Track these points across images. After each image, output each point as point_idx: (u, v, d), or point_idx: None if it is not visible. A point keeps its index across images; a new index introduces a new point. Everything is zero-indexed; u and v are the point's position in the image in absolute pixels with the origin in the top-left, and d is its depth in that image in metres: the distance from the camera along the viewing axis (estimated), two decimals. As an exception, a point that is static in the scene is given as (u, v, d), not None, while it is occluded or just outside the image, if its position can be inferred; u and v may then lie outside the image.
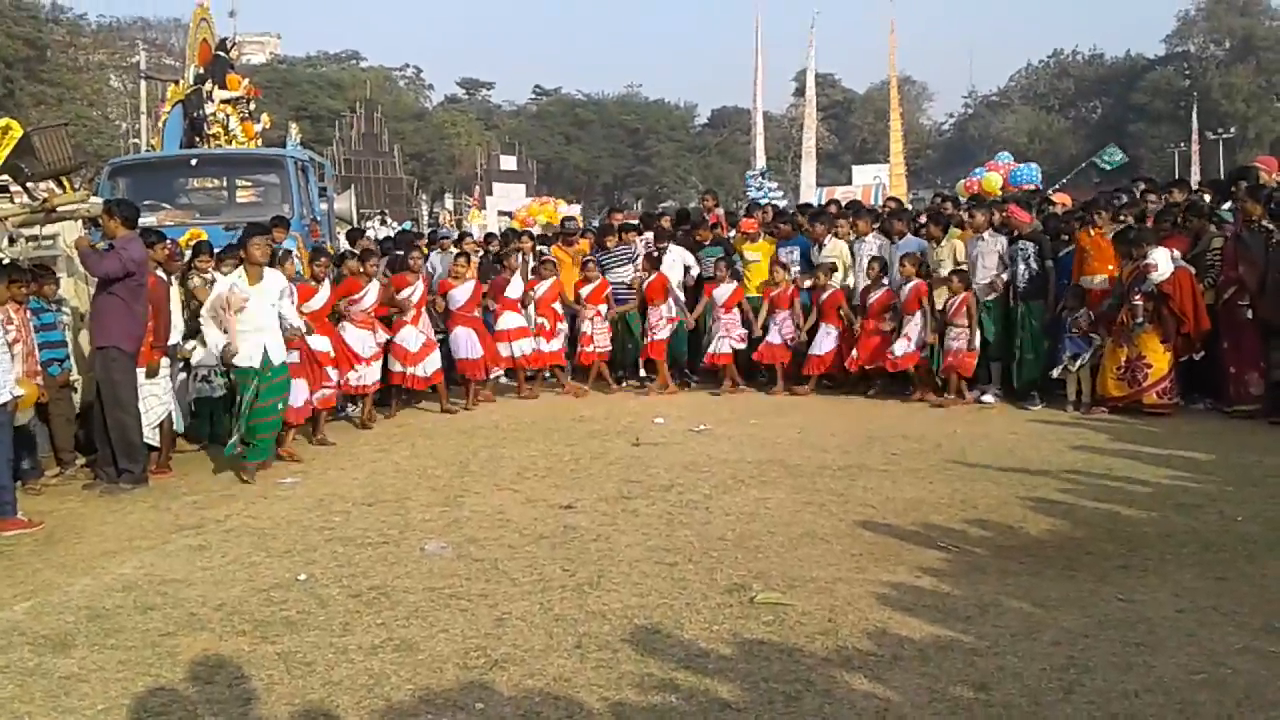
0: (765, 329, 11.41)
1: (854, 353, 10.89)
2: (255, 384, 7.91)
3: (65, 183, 9.56)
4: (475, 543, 6.11)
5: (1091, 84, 76.94)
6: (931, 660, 4.27)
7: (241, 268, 8.11)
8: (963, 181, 21.02)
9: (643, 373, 12.08)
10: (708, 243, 12.30)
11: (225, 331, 7.89)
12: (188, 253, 9.79)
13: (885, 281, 10.88)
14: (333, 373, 9.49)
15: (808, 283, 11.39)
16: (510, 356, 11.35)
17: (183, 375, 9.00)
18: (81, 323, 8.54)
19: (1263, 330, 9.25)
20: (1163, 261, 9.35)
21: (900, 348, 10.54)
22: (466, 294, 10.97)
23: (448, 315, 11.02)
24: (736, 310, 11.46)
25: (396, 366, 10.38)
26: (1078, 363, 9.84)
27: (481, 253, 12.53)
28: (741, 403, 10.94)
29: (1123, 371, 9.62)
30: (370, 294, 9.99)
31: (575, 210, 18.15)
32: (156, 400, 8.20)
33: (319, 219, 12.93)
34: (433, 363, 10.54)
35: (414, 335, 10.41)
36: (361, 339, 9.92)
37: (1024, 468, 7.71)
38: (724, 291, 11.46)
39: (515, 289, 11.42)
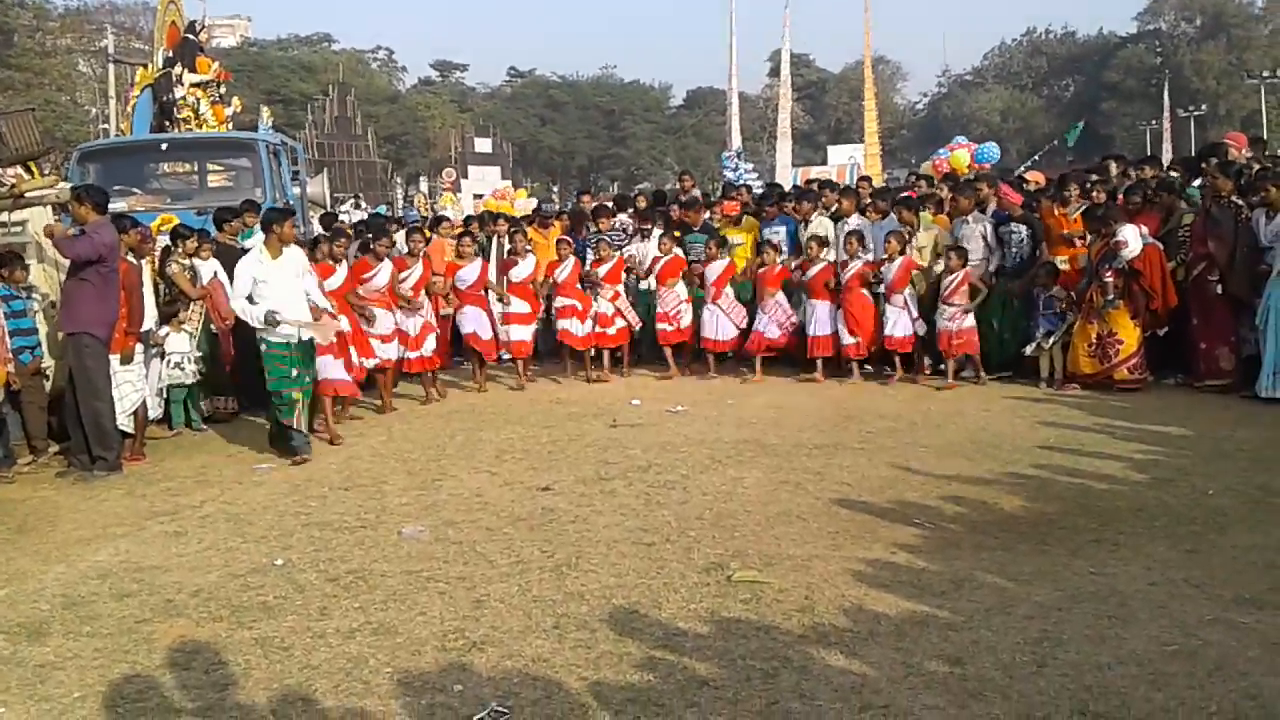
0: (753, 316, 11.18)
1: (850, 338, 10.63)
2: (292, 355, 8.03)
3: (33, 168, 9.46)
4: (453, 525, 6.11)
5: (1064, 62, 77.32)
6: (906, 635, 4.30)
7: (263, 243, 8.14)
8: (929, 162, 21.19)
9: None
10: (696, 228, 12.11)
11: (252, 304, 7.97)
12: (160, 238, 9.72)
13: (862, 256, 10.70)
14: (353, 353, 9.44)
15: (795, 263, 11.24)
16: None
17: (156, 361, 8.92)
18: (53, 310, 8.46)
19: (1232, 305, 9.34)
20: (1132, 239, 9.41)
21: (900, 329, 10.45)
22: (474, 273, 10.92)
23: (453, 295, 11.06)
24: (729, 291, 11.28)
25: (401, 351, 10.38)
26: (1050, 340, 9.91)
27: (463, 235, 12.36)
28: (718, 384, 10.96)
29: (1093, 348, 9.70)
30: (382, 273, 10.00)
31: (532, 203, 17.72)
32: (130, 387, 8.14)
33: (291, 203, 12.84)
34: (429, 346, 10.51)
35: (414, 319, 10.38)
36: (381, 315, 9.91)
37: (997, 444, 7.77)
38: (715, 268, 11.27)
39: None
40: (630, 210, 13.01)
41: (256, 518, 6.45)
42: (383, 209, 26.81)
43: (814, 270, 10.84)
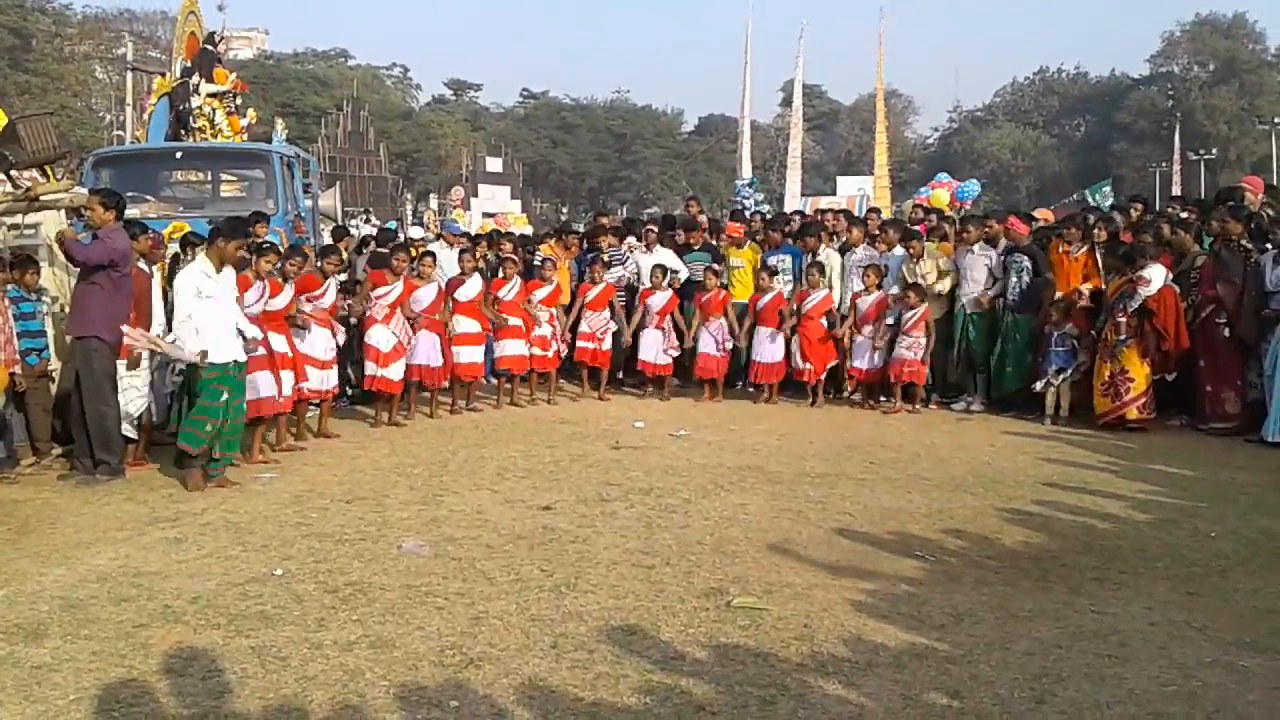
0: (697, 339, 11.45)
1: (803, 364, 11.01)
2: (234, 377, 7.62)
3: (49, 172, 9.51)
4: (453, 542, 6.11)
5: (1075, 102, 77.61)
6: (905, 667, 4.29)
7: (205, 256, 7.71)
8: (912, 199, 21.78)
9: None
10: (697, 246, 12.29)
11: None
12: (171, 245, 9.75)
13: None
14: (288, 376, 8.82)
15: (786, 290, 11.43)
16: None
17: (163, 367, 8.93)
18: (62, 312, 8.48)
19: (1240, 349, 9.34)
20: (1156, 278, 9.40)
21: (864, 361, 10.85)
22: (431, 295, 10.38)
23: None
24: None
25: (370, 369, 9.87)
26: (1061, 377, 9.88)
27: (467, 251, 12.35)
28: (721, 409, 10.96)
29: (1106, 387, 9.67)
30: (329, 293, 9.43)
31: (527, 230, 17.43)
32: (136, 392, 8.14)
33: (303, 215, 12.88)
34: (400, 367, 10.00)
35: (386, 335, 9.88)
36: (319, 338, 9.28)
37: (1001, 479, 7.76)
38: (660, 299, 11.47)
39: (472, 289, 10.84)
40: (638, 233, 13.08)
41: (257, 527, 6.45)
42: (393, 225, 26.85)
43: (765, 299, 11.15)
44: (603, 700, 3.98)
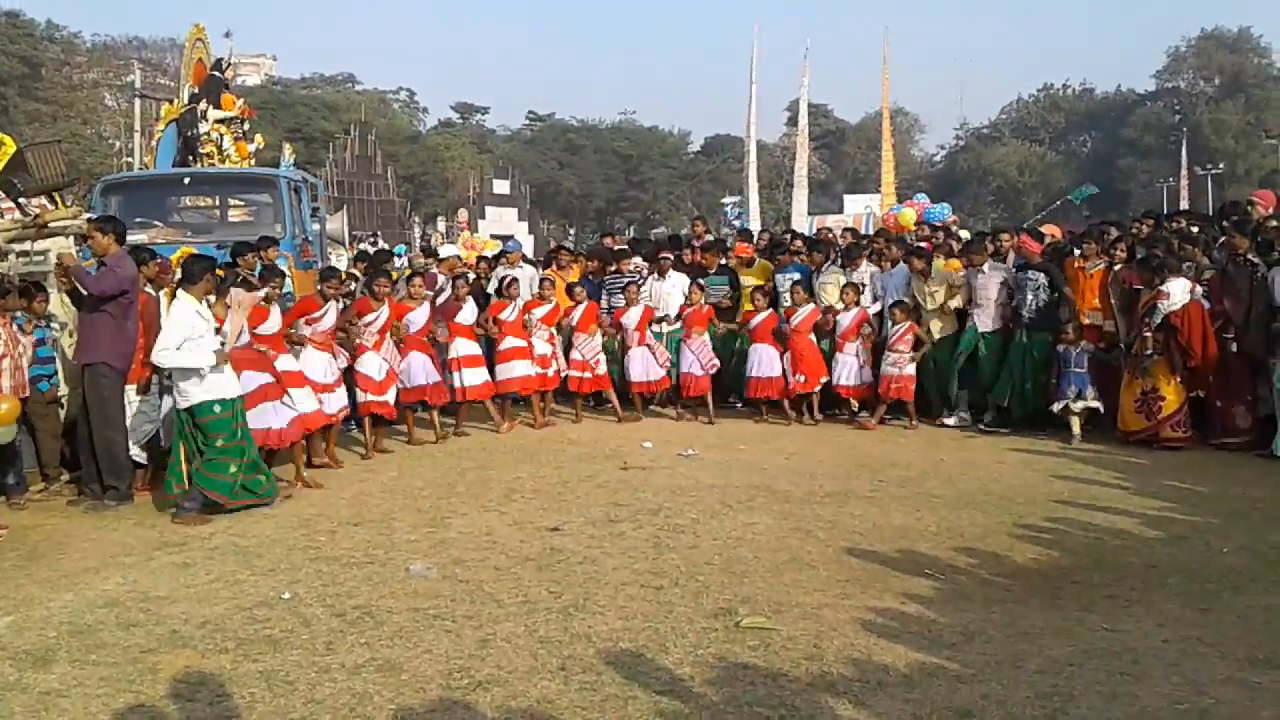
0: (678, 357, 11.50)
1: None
2: (242, 412, 7.56)
3: (57, 199, 9.57)
4: (461, 564, 6.10)
5: (1082, 118, 77.62)
6: (916, 686, 4.26)
7: (185, 292, 7.50)
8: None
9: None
10: (713, 270, 12.23)
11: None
12: (179, 271, 9.78)
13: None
14: (306, 393, 8.68)
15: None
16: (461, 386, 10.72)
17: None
18: (70, 339, 8.51)
19: (1249, 364, 9.30)
20: (1177, 292, 9.35)
21: (849, 378, 10.96)
22: (423, 317, 10.30)
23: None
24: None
25: (361, 396, 9.61)
26: (1080, 403, 9.78)
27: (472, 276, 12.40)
28: (730, 428, 10.95)
29: (1139, 404, 9.58)
30: (329, 315, 9.21)
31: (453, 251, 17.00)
32: (144, 418, 8.17)
33: (310, 239, 12.92)
34: (394, 393, 9.84)
35: (377, 363, 9.68)
36: (319, 362, 9.09)
37: (1010, 496, 7.73)
38: (634, 315, 11.42)
39: (468, 314, 10.81)
40: (644, 254, 13.08)
41: (265, 550, 6.45)
42: (401, 249, 26.87)
43: (759, 318, 11.23)
44: (611, 722, 3.96)
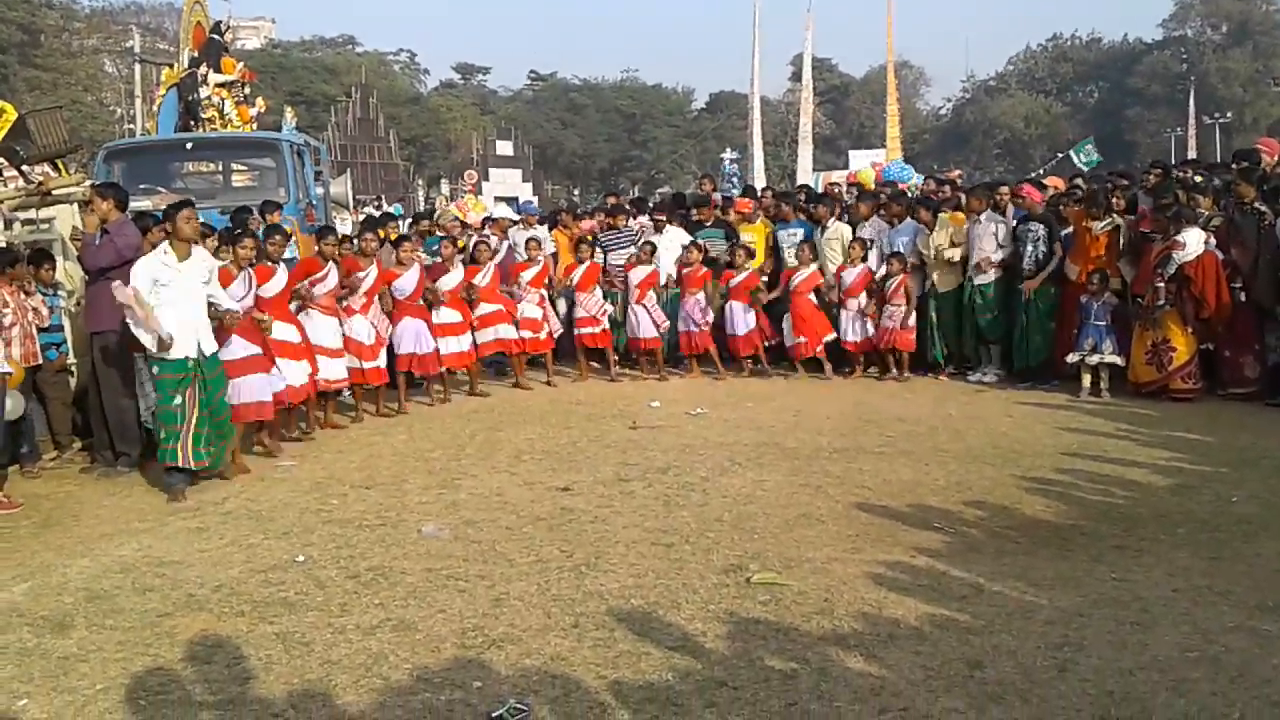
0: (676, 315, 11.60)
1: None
2: (195, 376, 6.91)
3: (61, 166, 9.54)
4: (473, 525, 6.13)
5: (1089, 68, 76.84)
6: (926, 639, 4.29)
7: (167, 242, 7.02)
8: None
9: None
10: (709, 224, 12.28)
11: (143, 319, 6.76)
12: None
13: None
14: (299, 366, 8.40)
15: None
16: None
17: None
18: (78, 307, 8.52)
19: (1257, 313, 9.26)
20: (1192, 242, 9.24)
21: (854, 333, 11.06)
22: (412, 283, 9.96)
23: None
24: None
25: (350, 361, 9.33)
26: (1096, 356, 9.69)
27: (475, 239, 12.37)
28: (738, 386, 10.96)
29: (1150, 356, 9.53)
30: (330, 276, 9.01)
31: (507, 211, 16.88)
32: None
33: (314, 203, 12.91)
34: (383, 358, 9.64)
35: (365, 326, 9.42)
36: (327, 327, 8.95)
37: (1019, 449, 7.74)
38: (639, 272, 11.48)
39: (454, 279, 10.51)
40: (649, 211, 13.07)
41: (278, 514, 6.48)
42: (398, 208, 26.76)
43: (740, 277, 11.33)
44: (625, 679, 3.99)
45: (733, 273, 11.45)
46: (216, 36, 15.16)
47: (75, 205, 8.65)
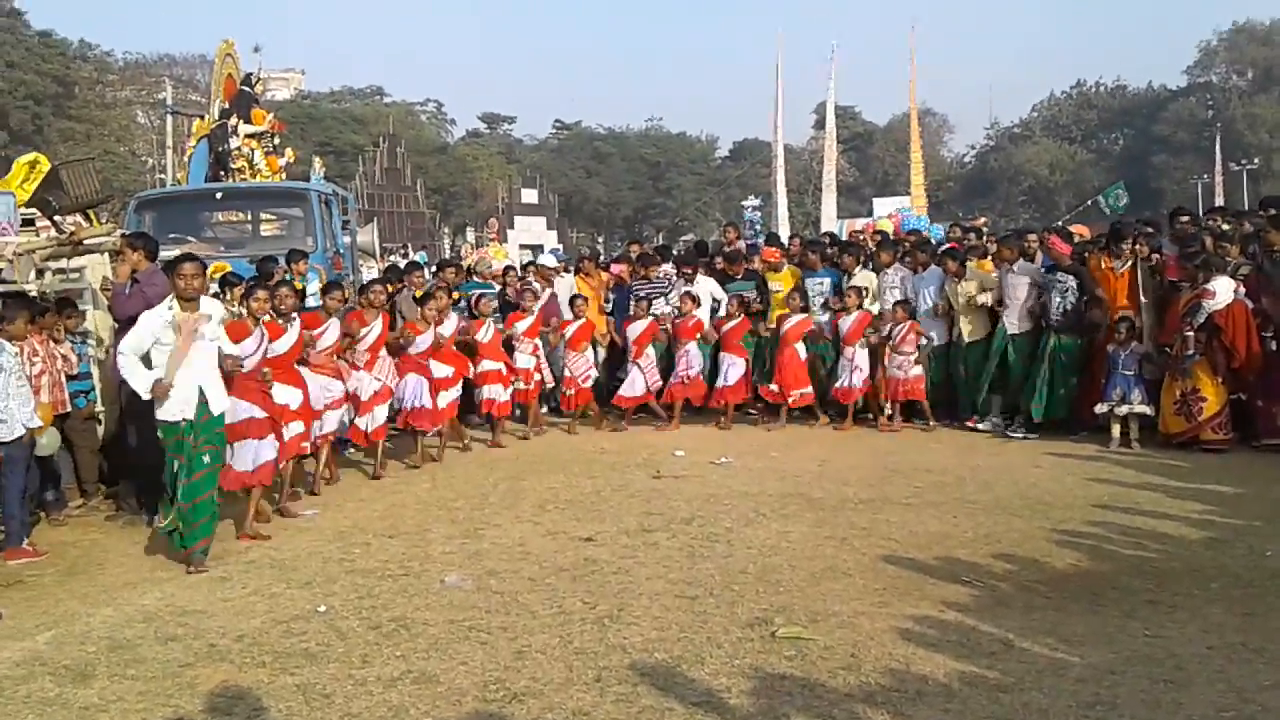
0: (672, 364, 11.55)
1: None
2: (192, 440, 6.45)
3: (92, 216, 9.66)
4: (495, 575, 6.09)
5: (1114, 115, 76.80)
6: (955, 696, 4.21)
7: (172, 298, 6.59)
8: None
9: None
10: (738, 276, 12.26)
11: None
12: (213, 285, 9.85)
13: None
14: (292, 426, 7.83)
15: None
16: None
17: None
18: (107, 355, 8.59)
19: (1289, 362, 9.14)
20: (1222, 291, 9.17)
21: (849, 381, 10.96)
22: (427, 341, 9.73)
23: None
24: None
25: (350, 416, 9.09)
26: (1125, 406, 9.57)
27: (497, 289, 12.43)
28: (761, 436, 10.90)
29: (1179, 406, 9.41)
30: (330, 332, 8.67)
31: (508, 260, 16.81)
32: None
33: (342, 252, 13.02)
34: (382, 414, 9.26)
35: (367, 381, 9.11)
36: (320, 386, 8.45)
37: (1048, 502, 7.64)
38: (637, 327, 11.48)
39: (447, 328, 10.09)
40: (673, 261, 13.10)
41: (301, 564, 6.47)
42: (423, 256, 26.91)
43: (730, 325, 11.35)
44: (648, 735, 3.94)
45: (724, 321, 11.44)
46: (247, 88, 15.39)
47: (106, 255, 8.76)
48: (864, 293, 11.17)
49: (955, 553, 6.35)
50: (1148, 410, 9.57)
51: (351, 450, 9.97)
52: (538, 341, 11.32)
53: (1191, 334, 9.24)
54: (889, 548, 6.49)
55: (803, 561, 6.24)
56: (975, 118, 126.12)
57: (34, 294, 8.00)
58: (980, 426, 10.72)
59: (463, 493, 8.49)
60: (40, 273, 8.34)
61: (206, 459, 6.52)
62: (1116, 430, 9.68)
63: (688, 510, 7.61)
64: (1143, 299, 9.95)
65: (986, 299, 10.59)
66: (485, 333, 10.78)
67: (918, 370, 10.78)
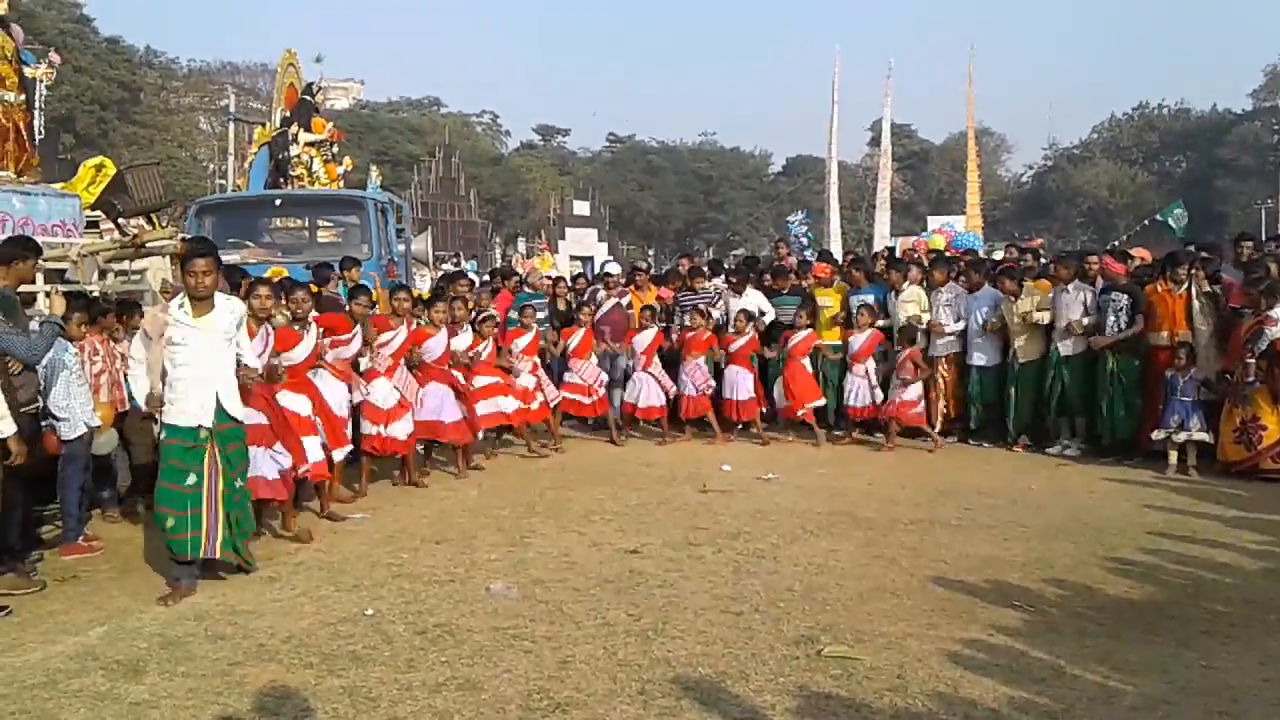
0: (679, 380, 11.51)
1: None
2: (209, 449, 6.04)
3: (154, 220, 9.85)
4: (540, 584, 6.10)
5: (1176, 138, 75.65)
6: (1004, 722, 4.15)
7: (183, 295, 6.11)
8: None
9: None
10: (784, 291, 12.25)
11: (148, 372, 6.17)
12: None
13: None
14: (313, 440, 7.57)
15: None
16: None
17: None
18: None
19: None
20: None
21: (858, 399, 11.07)
22: (441, 345, 9.37)
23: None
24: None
25: (367, 428, 8.74)
26: (1184, 433, 9.41)
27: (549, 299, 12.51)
28: (809, 452, 10.84)
29: (1238, 434, 9.23)
30: (356, 340, 8.45)
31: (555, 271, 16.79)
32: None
33: (396, 260, 13.16)
34: (408, 424, 8.92)
35: (387, 390, 8.78)
36: (336, 393, 8.21)
37: (1102, 527, 7.51)
38: (645, 338, 11.48)
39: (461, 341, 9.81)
40: (724, 274, 13.10)
41: (349, 567, 6.53)
42: (473, 264, 27.09)
43: (740, 341, 11.28)
44: (691, 749, 3.92)
45: (733, 337, 11.38)
46: (308, 97, 15.64)
47: (167, 258, 8.91)
48: (875, 310, 11.20)
49: (1006, 576, 6.26)
50: (1206, 438, 9.39)
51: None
52: (536, 359, 10.93)
53: (1253, 361, 9.06)
54: (938, 569, 6.42)
55: (850, 580, 6.18)
56: (1033, 137, 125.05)
57: (96, 294, 8.15)
58: (1049, 451, 10.55)
59: (509, 501, 8.52)
60: (103, 274, 8.52)
61: (235, 471, 6.21)
62: (1174, 456, 9.51)
63: (734, 525, 7.58)
64: (1199, 325, 9.79)
65: (1044, 317, 10.47)
66: (484, 350, 10.17)
67: (916, 393, 10.79)
